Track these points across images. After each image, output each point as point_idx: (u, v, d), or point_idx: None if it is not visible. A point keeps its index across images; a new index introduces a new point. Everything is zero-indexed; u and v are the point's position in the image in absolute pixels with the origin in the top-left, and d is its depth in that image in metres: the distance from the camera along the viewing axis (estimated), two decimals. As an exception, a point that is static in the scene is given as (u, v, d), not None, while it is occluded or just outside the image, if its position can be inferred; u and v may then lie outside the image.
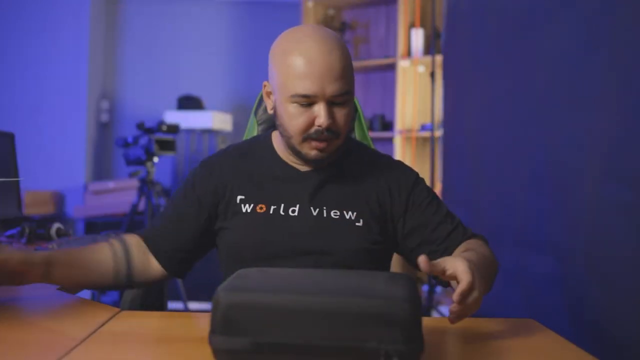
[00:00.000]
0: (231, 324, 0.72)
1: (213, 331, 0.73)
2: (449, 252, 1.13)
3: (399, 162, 1.24)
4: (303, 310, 0.71)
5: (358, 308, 0.71)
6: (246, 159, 1.19)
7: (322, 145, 1.08)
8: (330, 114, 1.05)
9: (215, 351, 0.73)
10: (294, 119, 1.07)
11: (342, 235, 1.12)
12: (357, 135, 1.43)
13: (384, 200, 1.16)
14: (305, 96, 1.04)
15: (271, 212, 1.13)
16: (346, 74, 1.06)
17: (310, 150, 1.09)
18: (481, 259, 1.02)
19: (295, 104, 1.06)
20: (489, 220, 2.10)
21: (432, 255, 1.11)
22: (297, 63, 1.04)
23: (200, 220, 1.16)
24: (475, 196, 2.30)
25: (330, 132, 1.07)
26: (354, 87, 1.10)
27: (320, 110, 1.05)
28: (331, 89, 1.04)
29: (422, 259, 0.83)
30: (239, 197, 1.15)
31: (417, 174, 1.22)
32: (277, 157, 1.18)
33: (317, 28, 1.10)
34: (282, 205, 1.13)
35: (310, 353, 0.71)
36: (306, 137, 1.08)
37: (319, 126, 1.05)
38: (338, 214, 1.13)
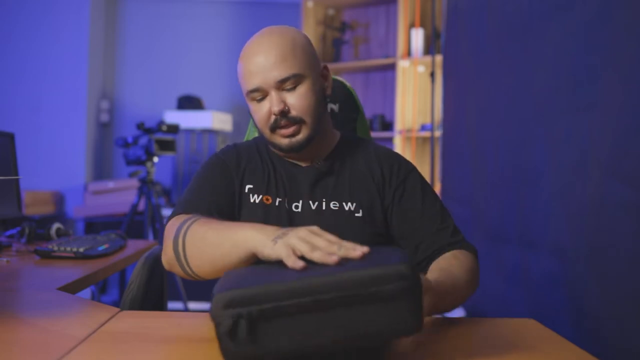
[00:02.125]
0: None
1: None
2: (431, 251, 1.12)
3: (397, 153, 1.25)
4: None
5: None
6: (252, 154, 1.22)
7: (288, 131, 1.11)
8: (282, 100, 1.09)
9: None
10: (256, 114, 1.13)
11: (342, 227, 1.12)
12: (359, 134, 1.43)
13: (381, 189, 1.17)
14: (253, 91, 1.10)
15: (277, 204, 1.15)
16: (287, 60, 1.09)
17: (281, 140, 1.12)
18: (447, 281, 0.99)
19: (253, 102, 1.12)
20: (489, 220, 2.10)
21: (416, 251, 1.13)
22: (243, 64, 1.12)
23: (232, 190, 1.16)
24: (475, 196, 2.30)
25: (288, 117, 1.10)
26: (309, 69, 1.11)
27: (271, 99, 1.10)
28: (272, 76, 1.08)
29: None
30: (247, 186, 1.17)
31: (411, 167, 1.22)
32: (277, 155, 1.21)
33: (268, 28, 1.14)
34: (287, 199, 1.16)
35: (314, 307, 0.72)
36: (271, 129, 1.12)
37: (274, 114, 1.09)
38: (337, 205, 1.15)
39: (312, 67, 1.13)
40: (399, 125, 3.84)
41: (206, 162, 1.22)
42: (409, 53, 3.83)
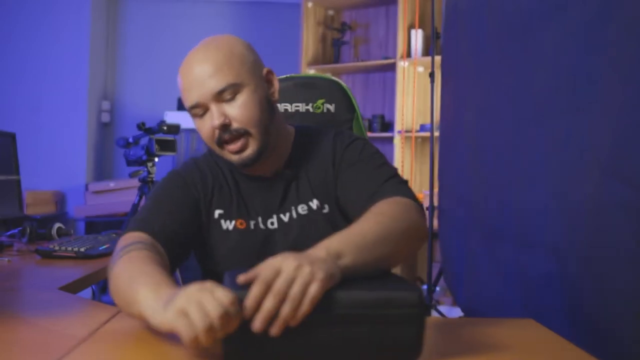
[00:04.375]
0: None
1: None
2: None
3: (346, 132, 1.19)
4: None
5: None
6: (216, 173, 1.16)
7: (235, 147, 1.05)
8: (222, 113, 1.03)
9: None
10: (200, 131, 1.08)
11: (309, 231, 1.09)
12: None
13: (335, 172, 1.12)
14: (193, 107, 1.05)
15: (252, 227, 1.11)
16: (222, 70, 1.03)
17: (231, 156, 1.07)
18: (352, 236, 0.85)
19: (196, 118, 1.07)
20: (487, 221, 2.10)
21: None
22: (181, 80, 1.08)
23: (194, 211, 1.11)
24: (474, 196, 2.30)
25: (231, 131, 1.04)
26: (248, 77, 1.06)
27: (211, 113, 1.04)
28: (207, 89, 1.03)
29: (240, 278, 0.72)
30: (217, 212, 1.13)
31: (354, 138, 1.15)
32: (238, 170, 1.16)
33: (205, 39, 1.09)
34: (260, 218, 1.12)
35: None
36: (218, 145, 1.06)
37: (215, 128, 1.04)
38: (305, 208, 1.11)
39: (252, 74, 1.07)
40: (398, 125, 3.84)
41: (165, 179, 1.16)
42: (408, 54, 3.84)
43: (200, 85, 1.03)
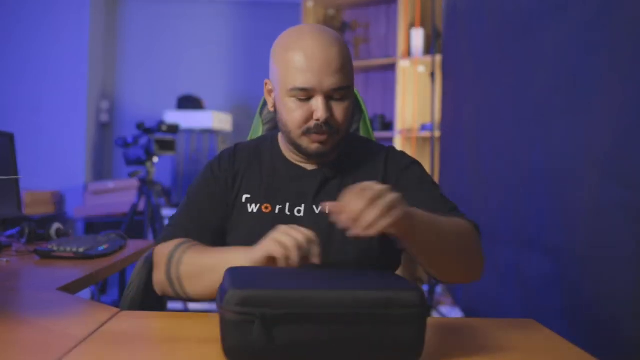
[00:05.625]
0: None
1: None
2: None
3: (398, 151, 1.23)
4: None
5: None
6: (252, 158, 1.19)
7: (322, 137, 1.08)
8: (328, 108, 1.06)
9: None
10: (292, 112, 1.08)
11: (337, 229, 1.09)
12: (362, 135, 1.43)
13: None
14: (303, 89, 1.05)
15: (277, 211, 1.13)
16: (345, 69, 1.07)
17: (311, 144, 1.09)
18: (427, 216, 0.96)
19: (293, 98, 1.07)
20: (487, 221, 2.10)
21: None
22: (297, 57, 1.06)
23: (224, 197, 1.16)
24: (473, 196, 2.30)
25: (329, 126, 1.07)
26: (354, 84, 1.11)
27: (318, 104, 1.05)
28: (329, 82, 1.05)
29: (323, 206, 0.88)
30: (244, 196, 1.15)
31: (412, 160, 1.20)
32: (281, 157, 1.18)
33: (318, 26, 1.12)
34: (288, 204, 1.13)
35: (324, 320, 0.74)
36: (305, 131, 1.08)
37: (317, 120, 1.06)
38: None
39: (354, 80, 1.12)
40: (399, 125, 3.84)
41: (201, 175, 1.20)
42: (409, 53, 3.83)
43: (323, 75, 1.05)
